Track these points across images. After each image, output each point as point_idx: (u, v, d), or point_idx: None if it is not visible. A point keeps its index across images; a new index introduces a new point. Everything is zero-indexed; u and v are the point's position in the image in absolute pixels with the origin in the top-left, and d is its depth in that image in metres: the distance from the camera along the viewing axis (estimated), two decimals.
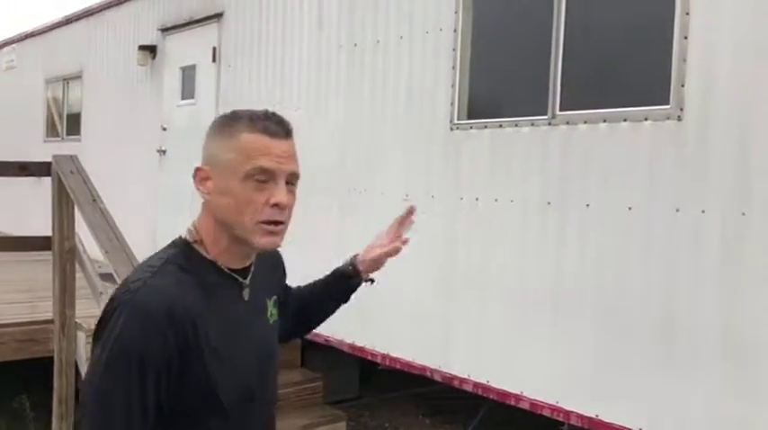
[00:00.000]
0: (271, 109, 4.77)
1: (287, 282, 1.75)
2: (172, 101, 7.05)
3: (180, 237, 1.42)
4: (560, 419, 3.75)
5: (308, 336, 5.39)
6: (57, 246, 4.49)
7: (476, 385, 4.17)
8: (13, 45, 11.21)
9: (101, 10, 8.61)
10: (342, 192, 5.16)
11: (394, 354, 4.68)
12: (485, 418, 4.88)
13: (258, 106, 5.08)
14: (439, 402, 5.72)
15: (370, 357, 4.91)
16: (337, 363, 5.51)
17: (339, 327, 5.13)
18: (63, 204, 4.53)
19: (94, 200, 4.25)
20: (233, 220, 1.35)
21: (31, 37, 10.67)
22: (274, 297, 1.57)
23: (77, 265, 4.50)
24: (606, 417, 3.52)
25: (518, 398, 3.94)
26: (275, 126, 1.36)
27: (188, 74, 6.88)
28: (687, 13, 3.28)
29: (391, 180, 4.75)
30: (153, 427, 1.29)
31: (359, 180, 5.02)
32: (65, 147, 8.63)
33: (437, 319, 4.40)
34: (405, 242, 1.86)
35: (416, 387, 5.73)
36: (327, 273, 1.83)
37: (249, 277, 1.44)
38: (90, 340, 4.50)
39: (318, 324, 1.85)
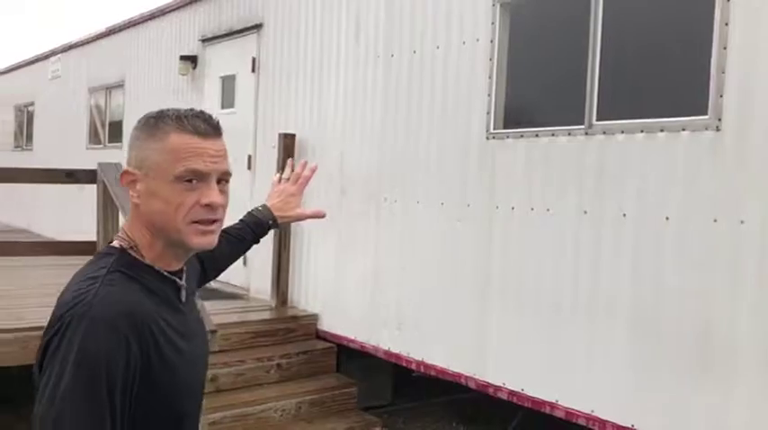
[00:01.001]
0: (308, 117, 4.92)
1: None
2: (212, 110, 7.16)
3: (111, 245, 1.36)
4: (595, 429, 3.75)
5: (344, 342, 5.47)
6: None
7: (510, 393, 4.19)
8: (59, 55, 11.53)
9: (143, 21, 8.83)
10: (378, 200, 5.23)
11: (429, 361, 4.71)
12: (519, 426, 4.88)
13: (297, 115, 5.22)
14: (472, 410, 5.73)
15: (405, 364, 4.95)
16: (371, 369, 5.56)
17: (374, 334, 5.19)
18: (108, 210, 4.68)
19: None
20: (165, 224, 1.30)
21: (75, 47, 10.97)
22: (197, 293, 1.56)
23: None
24: (642, 427, 3.52)
25: (553, 406, 3.95)
26: (205, 125, 1.30)
27: (228, 83, 7.02)
28: (726, 24, 3.27)
29: (427, 188, 4.80)
30: None
31: (395, 188, 5.08)
32: (106, 154, 8.86)
33: (472, 327, 4.42)
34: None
35: (450, 394, 5.76)
36: (247, 226, 1.89)
37: (184, 278, 1.40)
38: None
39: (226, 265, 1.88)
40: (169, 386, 1.29)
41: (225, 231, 1.78)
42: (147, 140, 1.30)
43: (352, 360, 5.56)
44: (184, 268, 1.42)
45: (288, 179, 1.94)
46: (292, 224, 6.00)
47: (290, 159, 2.14)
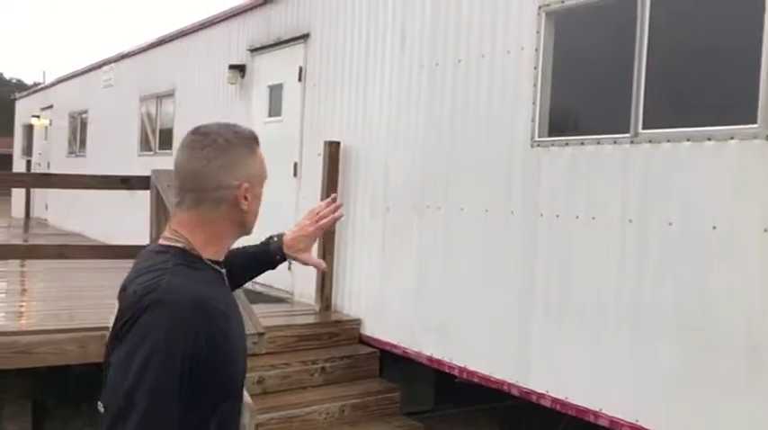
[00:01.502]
0: (353, 125, 5.05)
1: None
2: (259, 117, 7.35)
3: (164, 244, 1.52)
4: None
5: (386, 348, 5.53)
6: None
7: (554, 401, 4.19)
8: (111, 64, 11.90)
9: (193, 31, 9.07)
10: (422, 207, 5.29)
11: (472, 368, 4.74)
12: None
13: (342, 124, 5.33)
14: (514, 417, 5.73)
15: (447, 370, 4.99)
16: (413, 375, 5.61)
17: (417, 340, 5.24)
18: (161, 215, 4.83)
19: None
20: (253, 217, 1.60)
21: (127, 57, 11.31)
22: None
23: None
24: None
25: (597, 414, 3.94)
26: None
27: (275, 92, 7.17)
28: None
29: (470, 196, 4.84)
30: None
31: (438, 195, 5.13)
32: (157, 161, 9.12)
33: (516, 334, 4.44)
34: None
35: (492, 401, 5.76)
36: (258, 250, 1.95)
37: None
38: None
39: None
40: (230, 358, 1.46)
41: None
42: (249, 157, 1.57)
43: (395, 365, 5.62)
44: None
45: (317, 214, 1.97)
46: (337, 229, 6.10)
47: (334, 195, 2.17)
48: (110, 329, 1.53)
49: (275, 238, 1.96)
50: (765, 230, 3.26)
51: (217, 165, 1.51)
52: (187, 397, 1.37)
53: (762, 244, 3.27)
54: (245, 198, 1.54)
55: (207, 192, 1.52)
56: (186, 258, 1.49)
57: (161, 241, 1.56)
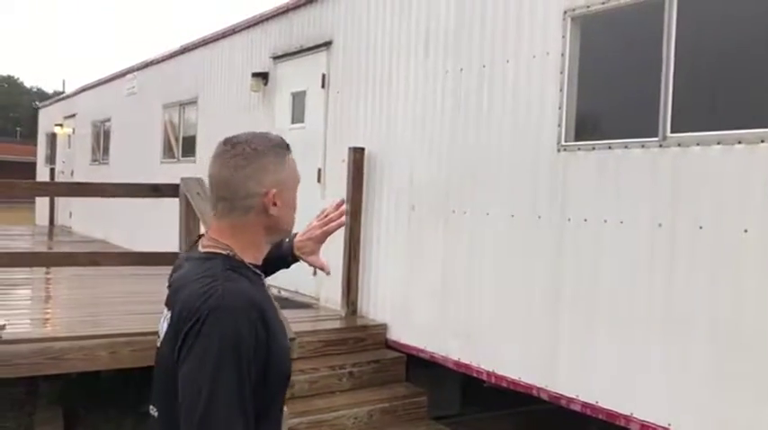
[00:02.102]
0: (377, 131, 5.05)
1: None
2: (283, 124, 7.41)
3: (207, 251, 1.59)
4: None
5: (413, 352, 5.55)
6: None
7: (584, 405, 4.19)
8: (135, 73, 12.05)
9: (216, 39, 9.16)
10: (447, 212, 5.31)
11: (500, 372, 4.75)
12: None
13: (365, 130, 5.36)
14: (540, 422, 5.72)
15: (475, 374, 5.00)
16: (439, 379, 5.62)
17: (444, 344, 5.25)
18: (190, 223, 4.89)
19: None
20: (290, 224, 1.67)
21: (150, 65, 11.44)
22: None
23: None
24: None
25: (628, 419, 3.94)
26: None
27: (298, 99, 7.23)
28: None
29: (496, 200, 4.86)
30: None
31: (464, 200, 5.15)
32: (180, 168, 9.23)
33: (544, 338, 4.44)
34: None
35: (518, 406, 5.76)
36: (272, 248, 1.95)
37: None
38: None
39: None
40: (284, 353, 1.56)
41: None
42: (280, 164, 1.62)
43: (421, 369, 5.64)
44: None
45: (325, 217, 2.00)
46: (362, 236, 6.14)
47: (341, 199, 2.14)
48: (160, 334, 1.59)
49: (287, 239, 1.99)
50: None
51: (245, 173, 1.57)
52: (255, 390, 1.46)
53: None
54: (274, 204, 1.59)
55: (237, 200, 1.58)
56: (232, 264, 1.56)
57: (202, 249, 1.63)
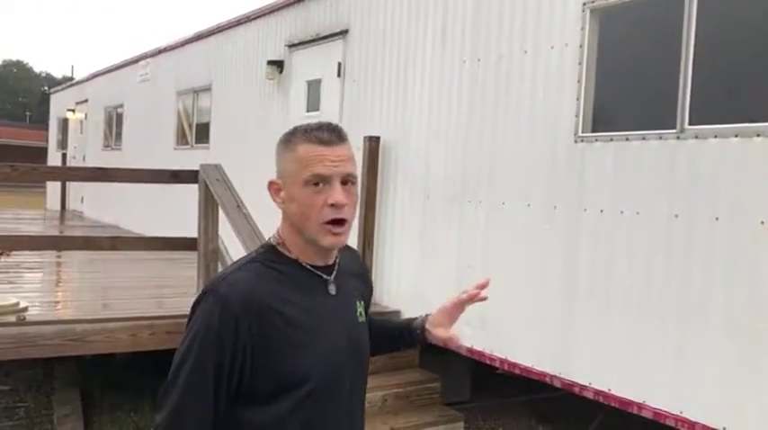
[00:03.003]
0: (393, 120, 5.05)
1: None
2: (297, 113, 7.46)
3: (267, 241, 1.61)
4: None
5: None
6: (202, 247, 4.94)
7: (597, 392, 4.25)
8: (148, 59, 12.09)
9: (231, 26, 9.19)
10: (462, 201, 5.36)
11: (513, 359, 4.81)
12: (600, 427, 4.92)
13: (381, 120, 5.42)
14: (551, 409, 5.79)
15: (488, 361, 5.06)
16: (451, 366, 5.69)
17: (457, 331, 5.31)
18: (209, 209, 4.96)
19: (239, 206, 4.65)
20: (302, 224, 1.52)
21: (164, 52, 11.48)
22: (361, 301, 1.69)
23: (219, 265, 4.91)
24: (734, 429, 3.54)
25: (641, 406, 4.00)
26: (328, 134, 1.50)
27: (313, 87, 7.27)
28: None
29: (512, 191, 4.90)
30: (231, 406, 1.46)
31: (480, 190, 5.20)
32: (193, 155, 9.30)
33: (559, 326, 4.50)
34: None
35: (529, 393, 5.83)
36: (401, 324, 1.91)
37: (334, 275, 1.59)
38: None
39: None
40: (288, 354, 1.48)
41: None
42: (284, 153, 1.54)
43: (432, 355, 5.70)
44: (336, 266, 1.61)
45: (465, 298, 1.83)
46: (376, 224, 6.20)
47: (487, 281, 1.84)
48: None
49: (422, 316, 1.86)
50: None
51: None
52: (246, 385, 1.46)
53: None
54: (278, 195, 1.54)
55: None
56: (267, 255, 1.56)
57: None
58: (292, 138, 1.52)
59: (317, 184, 1.48)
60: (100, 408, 5.73)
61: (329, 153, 1.48)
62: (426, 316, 1.84)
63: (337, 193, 1.48)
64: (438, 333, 1.80)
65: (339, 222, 1.50)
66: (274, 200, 1.55)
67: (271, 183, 1.55)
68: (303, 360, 1.49)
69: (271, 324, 1.46)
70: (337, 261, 1.62)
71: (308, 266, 1.56)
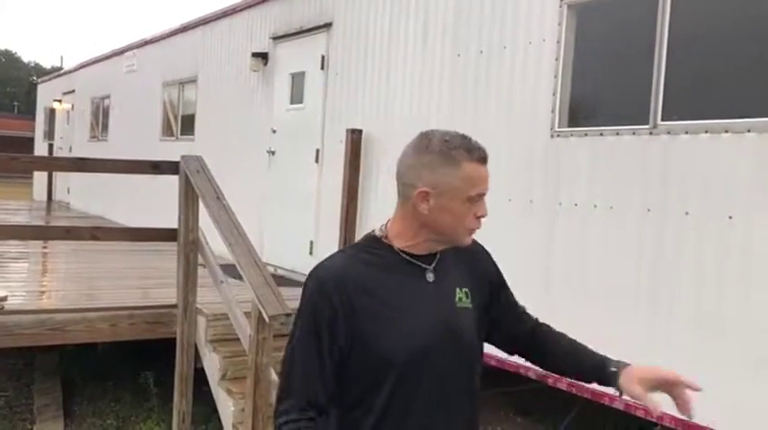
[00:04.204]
0: (375, 114, 5.07)
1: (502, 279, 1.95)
2: (281, 105, 7.48)
3: (370, 232, 1.74)
4: (653, 420, 3.85)
5: None
6: (182, 238, 4.94)
7: (570, 384, 4.31)
8: (134, 50, 12.05)
9: (216, 19, 9.19)
10: None
11: (487, 351, 4.85)
12: (577, 418, 4.99)
13: (364, 112, 5.43)
14: (529, 401, 5.86)
15: None
16: None
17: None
18: (189, 200, 4.97)
19: (218, 197, 4.66)
20: (449, 230, 1.65)
21: (150, 43, 11.45)
22: (465, 288, 1.75)
23: (199, 256, 4.93)
24: (702, 421, 3.61)
25: (612, 398, 4.06)
26: (482, 152, 1.65)
27: (297, 80, 7.29)
28: None
29: (492, 185, 4.92)
30: (338, 373, 1.61)
31: None
32: (179, 146, 9.28)
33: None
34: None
35: (506, 386, 5.89)
36: (594, 356, 1.87)
37: (434, 264, 1.70)
38: (209, 323, 4.93)
39: (542, 367, 1.99)
40: (373, 332, 1.61)
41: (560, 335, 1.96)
42: (444, 167, 1.61)
43: None
44: (437, 257, 1.72)
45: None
46: (358, 218, 6.24)
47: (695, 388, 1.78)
48: None
49: (618, 361, 1.82)
50: None
51: (409, 163, 1.65)
52: (345, 355, 1.61)
53: None
54: (427, 202, 1.62)
55: (399, 186, 1.69)
56: (367, 244, 1.71)
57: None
58: (454, 154, 1.61)
59: (476, 201, 1.64)
60: (81, 398, 5.75)
61: (486, 173, 1.65)
62: (622, 364, 1.80)
63: (485, 208, 1.67)
64: (636, 391, 1.72)
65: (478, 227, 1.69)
66: (417, 205, 1.63)
67: (421, 192, 1.62)
68: (390, 336, 1.61)
69: (360, 301, 1.60)
70: (439, 252, 1.73)
71: (406, 255, 1.68)
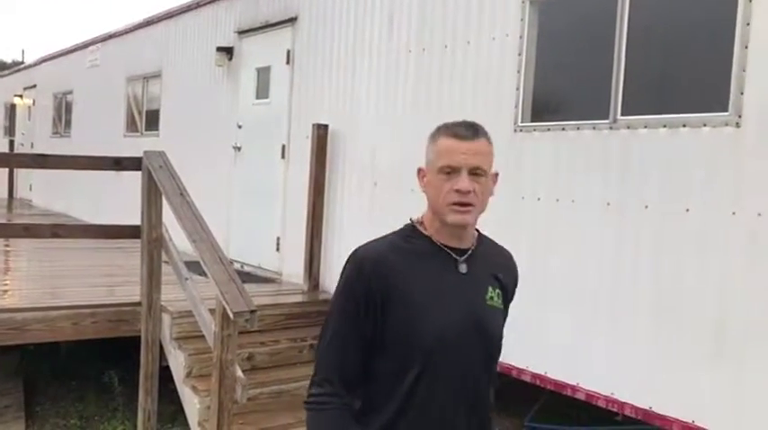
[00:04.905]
0: (341, 109, 5.13)
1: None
2: (247, 100, 7.42)
3: (409, 220, 1.83)
4: (615, 410, 3.93)
5: None
6: (145, 235, 4.89)
7: (534, 376, 4.37)
8: (97, 45, 11.85)
9: (180, 13, 9.07)
10: (406, 191, 5.41)
11: None
12: (543, 408, 5.05)
13: (329, 107, 5.41)
14: (495, 394, 5.91)
15: None
16: None
17: None
18: (152, 196, 4.91)
19: (182, 193, 4.61)
20: (434, 204, 1.74)
21: (114, 37, 11.27)
22: (498, 290, 1.83)
23: (163, 253, 4.88)
24: (659, 409, 3.69)
25: (574, 389, 4.13)
26: (464, 130, 1.71)
27: (263, 75, 7.24)
28: (748, 24, 3.40)
29: None
30: (371, 352, 1.69)
31: None
32: (143, 142, 9.16)
33: None
34: None
35: None
36: None
37: (466, 257, 1.78)
38: (173, 321, 4.88)
39: None
40: (404, 316, 1.69)
41: None
42: (429, 145, 1.77)
43: None
44: (472, 249, 1.80)
45: None
46: (324, 212, 6.22)
47: None
48: None
49: None
50: (734, 214, 3.43)
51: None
52: (378, 333, 1.69)
53: (730, 227, 3.45)
54: (422, 181, 1.77)
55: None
56: (405, 231, 1.80)
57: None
58: (438, 132, 1.75)
59: (447, 173, 1.69)
60: (44, 398, 5.66)
61: (461, 147, 1.69)
62: None
63: (462, 181, 1.68)
64: None
65: (463, 204, 1.70)
66: (420, 184, 1.78)
67: (420, 170, 1.78)
68: (419, 319, 1.68)
69: (394, 284, 1.68)
70: (474, 246, 1.80)
71: (440, 244, 1.75)
